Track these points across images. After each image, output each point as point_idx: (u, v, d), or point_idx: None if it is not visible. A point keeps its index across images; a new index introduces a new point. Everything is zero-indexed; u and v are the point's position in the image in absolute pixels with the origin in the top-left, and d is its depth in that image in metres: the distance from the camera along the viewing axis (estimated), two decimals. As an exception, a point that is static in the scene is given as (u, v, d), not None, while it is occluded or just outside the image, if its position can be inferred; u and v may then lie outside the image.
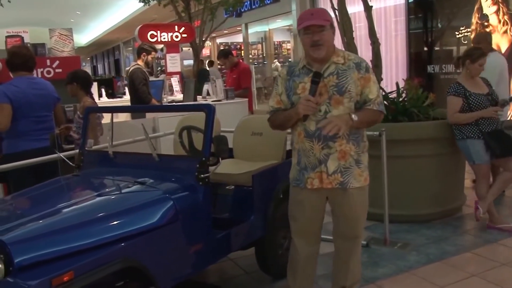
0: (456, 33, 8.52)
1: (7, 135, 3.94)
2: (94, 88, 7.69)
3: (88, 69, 36.34)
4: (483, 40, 5.05)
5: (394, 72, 9.62)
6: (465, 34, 8.28)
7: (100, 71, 31.98)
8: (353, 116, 2.49)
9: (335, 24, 5.01)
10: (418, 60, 9.41)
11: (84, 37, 26.76)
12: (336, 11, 4.93)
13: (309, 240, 2.79)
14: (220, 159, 2.67)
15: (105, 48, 29.71)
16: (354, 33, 5.02)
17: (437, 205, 4.49)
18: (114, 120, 5.25)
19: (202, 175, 2.68)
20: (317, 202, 2.70)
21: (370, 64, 4.85)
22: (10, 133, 3.89)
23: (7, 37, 4.94)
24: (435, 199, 4.46)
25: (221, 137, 2.67)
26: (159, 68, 13.04)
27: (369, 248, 3.89)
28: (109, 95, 9.58)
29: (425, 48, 9.27)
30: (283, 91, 2.67)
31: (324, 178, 2.60)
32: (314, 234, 2.80)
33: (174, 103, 6.43)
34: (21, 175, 3.69)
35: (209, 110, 2.76)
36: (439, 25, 9.02)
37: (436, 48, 9.14)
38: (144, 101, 6.08)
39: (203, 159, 2.69)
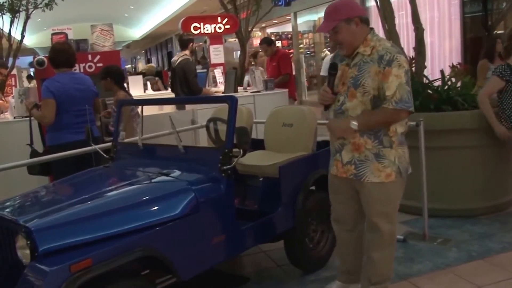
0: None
1: (50, 128, 4.12)
2: (139, 81, 7.89)
3: (142, 62, 37.33)
4: None
5: (448, 59, 9.20)
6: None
7: (154, 63, 32.72)
8: (352, 124, 2.47)
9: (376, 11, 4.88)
10: (474, 45, 8.93)
11: (138, 31, 27.46)
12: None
13: (344, 225, 2.83)
14: (241, 151, 2.63)
15: (158, 41, 30.34)
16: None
17: (484, 199, 4.25)
18: (156, 112, 5.42)
19: (224, 167, 2.67)
20: (342, 188, 2.72)
21: (413, 50, 4.77)
22: (53, 126, 4.07)
23: (52, 34, 5.14)
24: (481, 193, 4.23)
25: (242, 129, 2.64)
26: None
27: (406, 243, 3.74)
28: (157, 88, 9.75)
29: (482, 33, 8.78)
30: None
31: (339, 167, 2.66)
32: (347, 219, 2.80)
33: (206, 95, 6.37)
34: (62, 166, 3.84)
35: (231, 102, 2.74)
36: (499, 7, 8.48)
37: (495, 32, 8.61)
38: (195, 93, 6.06)
39: (226, 150, 2.68)
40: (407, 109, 2.48)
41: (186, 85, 6.09)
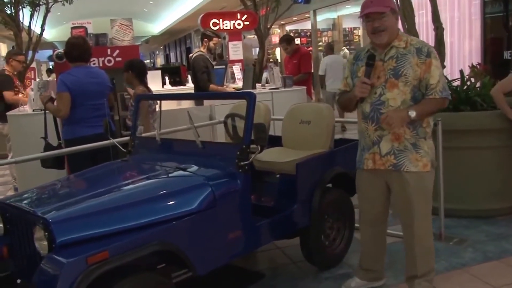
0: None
1: (66, 122, 4.14)
2: (158, 76, 7.94)
3: (161, 57, 37.52)
4: None
5: (468, 59, 9.08)
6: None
7: (172, 59, 32.88)
8: (410, 113, 2.57)
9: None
10: (495, 46, 8.81)
11: (157, 26, 27.61)
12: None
13: (372, 221, 2.92)
14: (259, 147, 2.64)
15: (177, 36, 30.45)
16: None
17: (501, 200, 4.20)
18: (175, 107, 5.45)
19: (242, 163, 2.68)
20: (374, 184, 2.79)
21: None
22: (68, 120, 4.09)
23: (72, 28, 5.18)
24: (499, 194, 4.18)
25: (260, 125, 2.65)
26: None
27: (422, 243, 3.71)
28: (176, 83, 9.81)
29: (502, 33, 8.65)
30: (349, 75, 2.86)
31: (377, 159, 2.71)
32: (379, 217, 2.90)
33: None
34: (79, 160, 3.88)
35: (250, 98, 2.75)
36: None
37: (515, 33, 8.48)
38: (202, 89, 6.10)
39: (243, 146, 2.69)
40: (448, 97, 2.68)
41: (196, 81, 6.14)
